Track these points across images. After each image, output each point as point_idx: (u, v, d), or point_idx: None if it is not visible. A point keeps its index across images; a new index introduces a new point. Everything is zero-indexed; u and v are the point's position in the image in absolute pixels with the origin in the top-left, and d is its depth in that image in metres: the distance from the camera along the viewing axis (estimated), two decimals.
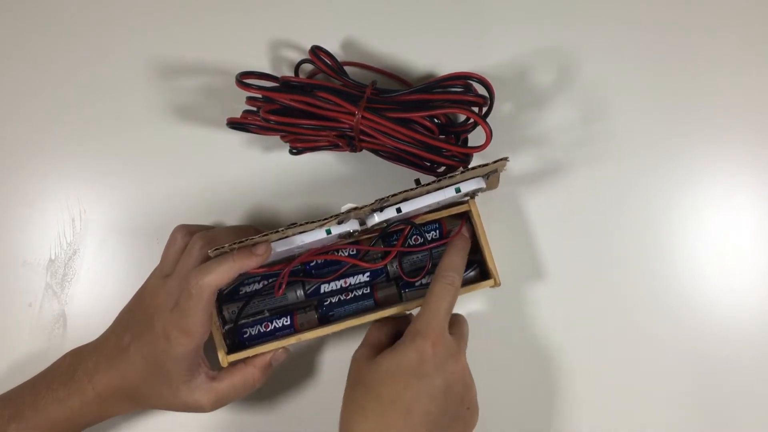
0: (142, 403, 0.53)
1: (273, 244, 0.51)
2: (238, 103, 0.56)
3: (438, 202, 0.52)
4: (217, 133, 0.59)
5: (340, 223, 0.52)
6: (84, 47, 0.61)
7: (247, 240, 0.49)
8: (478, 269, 0.57)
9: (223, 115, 0.56)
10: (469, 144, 0.56)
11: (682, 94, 0.60)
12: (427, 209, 0.54)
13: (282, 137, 0.57)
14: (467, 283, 0.56)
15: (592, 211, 0.60)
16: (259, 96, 0.54)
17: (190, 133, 0.60)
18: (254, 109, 0.55)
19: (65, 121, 0.60)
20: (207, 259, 0.50)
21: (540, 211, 0.60)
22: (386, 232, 0.56)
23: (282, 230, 0.49)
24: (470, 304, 0.60)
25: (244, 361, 0.54)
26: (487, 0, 0.61)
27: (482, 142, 0.52)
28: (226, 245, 0.49)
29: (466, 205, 0.56)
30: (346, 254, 0.56)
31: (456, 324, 0.53)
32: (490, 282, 0.55)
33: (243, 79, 0.54)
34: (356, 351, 0.52)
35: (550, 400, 0.59)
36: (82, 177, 0.60)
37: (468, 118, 0.54)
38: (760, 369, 0.59)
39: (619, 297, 0.60)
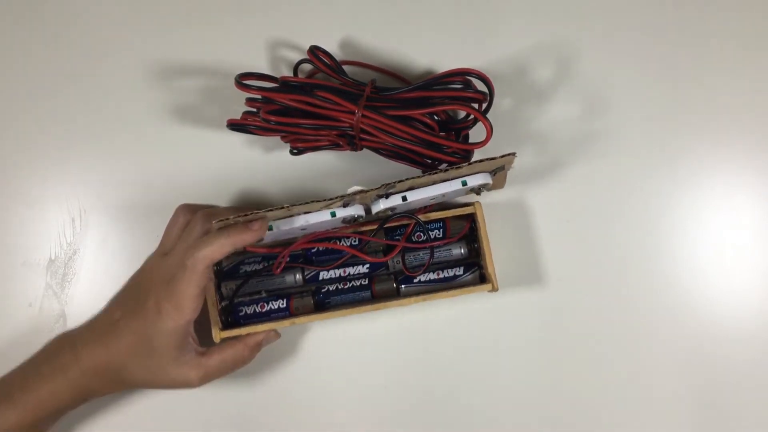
0: (128, 380, 0.53)
1: (277, 222, 0.51)
2: (238, 104, 0.56)
3: (443, 195, 0.53)
4: (217, 134, 0.59)
5: (345, 205, 0.52)
6: (84, 49, 0.61)
7: (251, 213, 0.49)
8: (478, 272, 0.57)
9: (223, 116, 0.56)
10: (470, 140, 0.56)
11: (683, 92, 0.60)
12: (432, 201, 0.54)
13: (282, 138, 0.56)
14: (467, 285, 0.57)
15: (592, 210, 0.60)
16: (259, 97, 0.54)
17: (191, 134, 0.60)
18: (254, 110, 0.55)
19: (66, 122, 0.60)
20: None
21: (539, 208, 0.60)
22: (389, 227, 0.56)
23: (287, 207, 0.49)
24: (470, 304, 0.60)
25: (235, 338, 0.54)
26: None
27: (483, 138, 0.52)
28: (231, 217, 0.49)
29: (471, 207, 0.56)
30: (348, 244, 0.56)
31: None
32: (488, 286, 0.55)
33: (242, 80, 0.54)
34: None
35: (550, 401, 0.59)
36: (82, 177, 0.60)
37: (468, 115, 0.54)
38: (760, 368, 0.59)
39: (618, 297, 0.60)
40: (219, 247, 0.49)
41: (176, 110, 0.60)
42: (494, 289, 0.55)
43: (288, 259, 0.55)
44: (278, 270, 0.54)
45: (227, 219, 0.49)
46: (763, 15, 0.61)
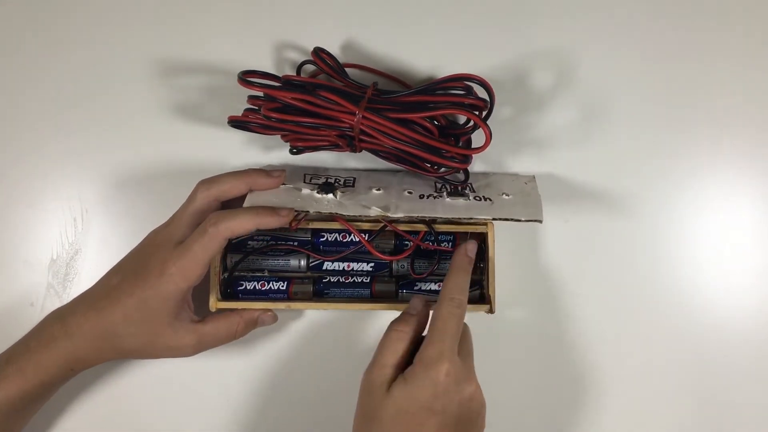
0: (120, 347, 0.52)
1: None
2: (240, 104, 0.56)
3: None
4: (218, 132, 0.59)
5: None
6: (86, 46, 0.61)
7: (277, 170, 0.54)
8: (479, 291, 0.57)
9: (225, 114, 0.56)
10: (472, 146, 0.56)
11: (682, 93, 0.60)
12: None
13: (282, 137, 0.57)
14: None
15: (590, 211, 0.60)
16: (261, 94, 0.54)
17: (192, 131, 0.60)
18: (256, 107, 0.55)
19: (67, 120, 0.60)
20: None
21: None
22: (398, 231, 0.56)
23: (324, 213, 0.53)
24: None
25: (232, 310, 0.55)
26: (487, 3, 0.61)
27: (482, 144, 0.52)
28: None
29: (484, 227, 0.56)
30: (361, 233, 0.56)
31: (462, 341, 0.51)
32: (486, 307, 0.55)
33: (245, 77, 0.54)
34: (368, 370, 0.50)
35: (550, 401, 0.60)
36: (83, 176, 0.60)
37: (468, 120, 0.54)
38: (758, 368, 0.60)
39: (617, 297, 0.60)
40: (244, 222, 0.50)
41: (178, 108, 0.60)
42: (491, 312, 0.55)
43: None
44: (296, 226, 0.54)
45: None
46: (762, 12, 0.61)
